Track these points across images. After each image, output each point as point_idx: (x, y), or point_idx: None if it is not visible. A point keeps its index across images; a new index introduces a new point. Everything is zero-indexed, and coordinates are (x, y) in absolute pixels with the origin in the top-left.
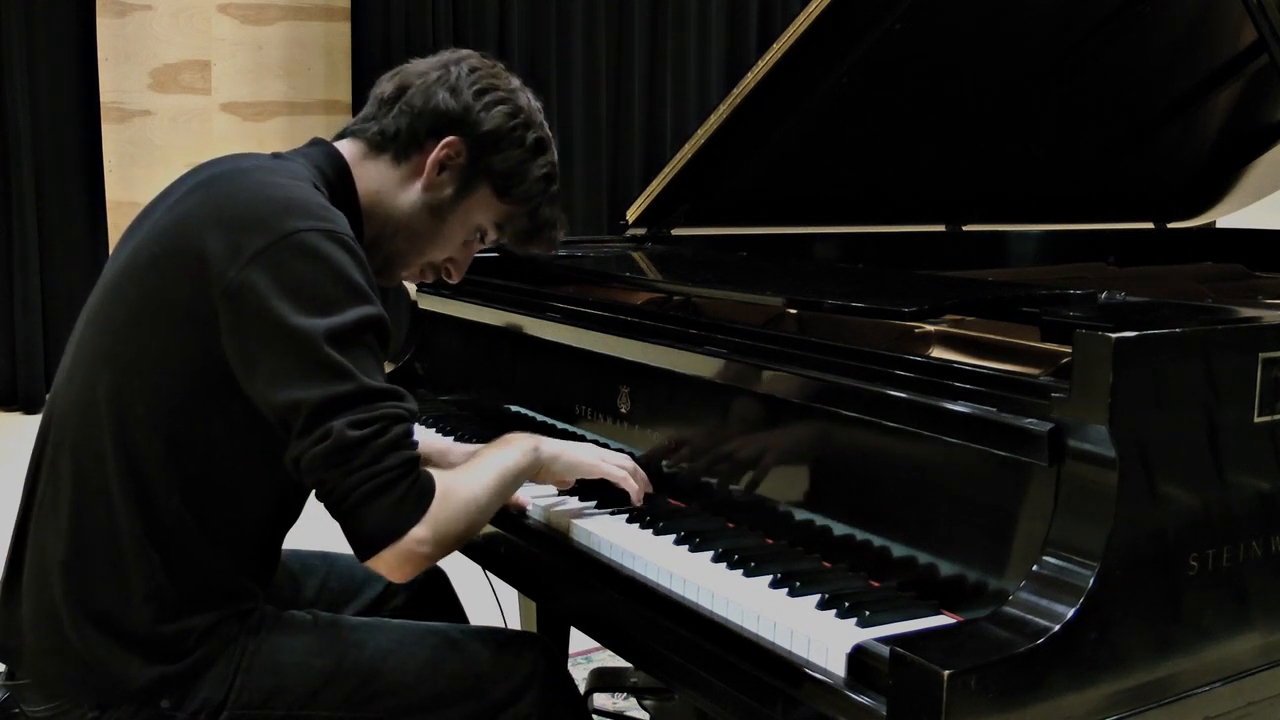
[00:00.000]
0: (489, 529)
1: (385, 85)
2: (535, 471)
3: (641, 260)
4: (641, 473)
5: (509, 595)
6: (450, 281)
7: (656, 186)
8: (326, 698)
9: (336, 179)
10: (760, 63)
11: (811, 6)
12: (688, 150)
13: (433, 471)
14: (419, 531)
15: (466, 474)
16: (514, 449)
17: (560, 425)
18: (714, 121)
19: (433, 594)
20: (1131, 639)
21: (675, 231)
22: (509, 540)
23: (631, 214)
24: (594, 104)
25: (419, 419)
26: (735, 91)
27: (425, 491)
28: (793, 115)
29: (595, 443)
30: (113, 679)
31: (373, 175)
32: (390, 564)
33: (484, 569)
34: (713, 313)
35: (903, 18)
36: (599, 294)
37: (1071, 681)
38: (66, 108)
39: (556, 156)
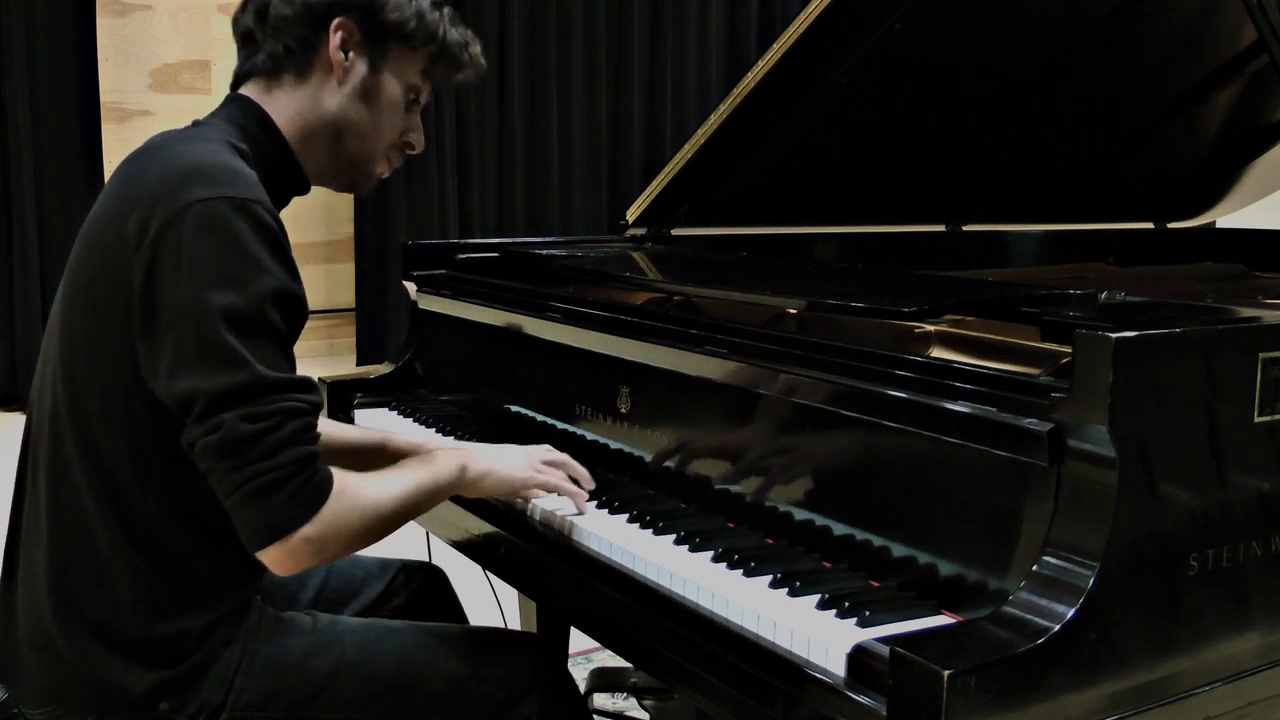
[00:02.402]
0: (488, 529)
1: (244, 18)
2: (462, 488)
3: (641, 260)
4: (578, 469)
5: (509, 595)
6: (415, 152)
7: (656, 186)
8: (326, 699)
9: (256, 127)
10: (760, 63)
11: (811, 6)
12: (688, 150)
13: (337, 472)
14: (307, 530)
15: (375, 480)
16: (437, 464)
17: (560, 425)
18: (714, 121)
19: (433, 594)
20: (1131, 639)
21: (675, 231)
22: (509, 540)
23: (631, 214)
24: (594, 104)
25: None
26: (735, 91)
27: (319, 490)
28: (793, 115)
29: (594, 444)
30: (112, 687)
31: (286, 103)
32: (275, 559)
33: (484, 569)
34: (713, 313)
35: (903, 17)
36: (599, 294)
37: (1071, 681)
38: (66, 108)
39: None
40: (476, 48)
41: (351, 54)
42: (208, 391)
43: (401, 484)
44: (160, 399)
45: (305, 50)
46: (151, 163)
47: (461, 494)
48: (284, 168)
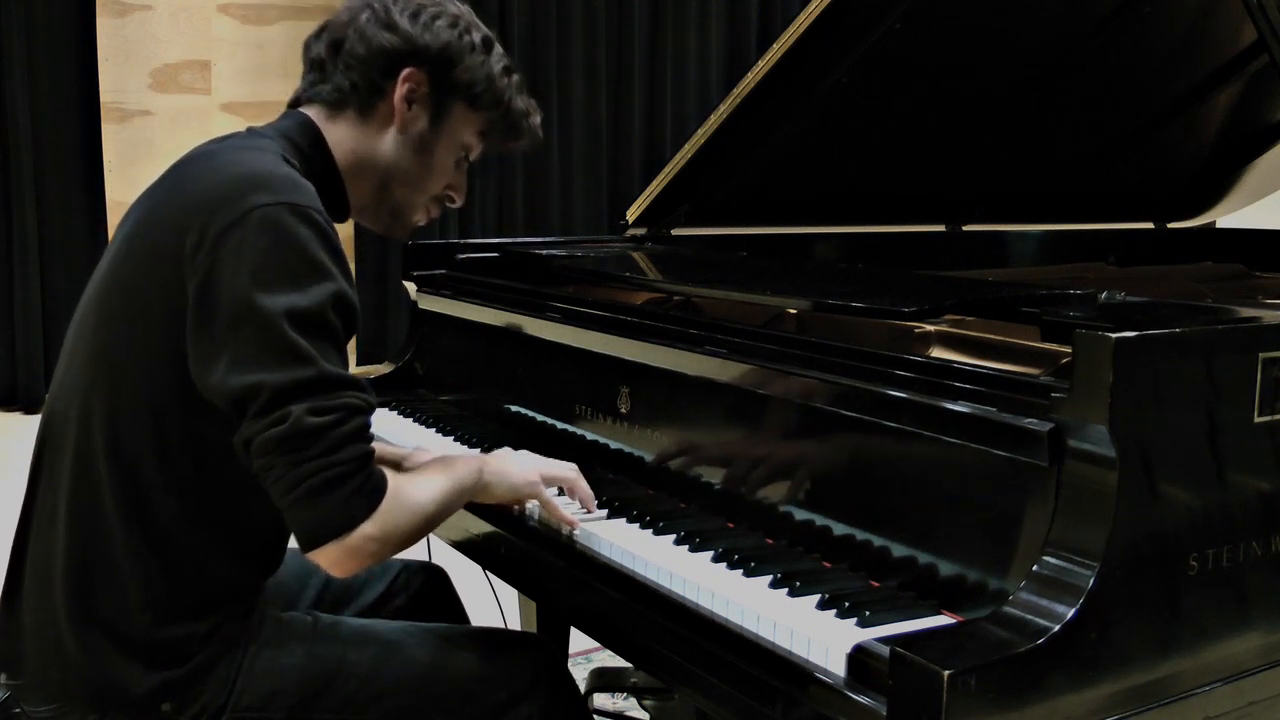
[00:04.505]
0: (488, 529)
1: (316, 47)
2: (479, 491)
3: (641, 260)
4: (583, 484)
5: (509, 595)
6: (454, 206)
7: (656, 186)
8: (327, 701)
9: (310, 147)
10: (760, 63)
11: (812, 6)
12: (688, 150)
13: (385, 471)
14: (368, 528)
15: (417, 481)
16: (461, 465)
17: (560, 425)
18: (714, 121)
19: (433, 594)
20: (1131, 639)
21: (675, 231)
22: (509, 540)
23: (631, 214)
24: (594, 104)
25: (377, 408)
26: (735, 91)
27: (377, 488)
28: (793, 115)
29: (594, 444)
30: (115, 687)
31: (344, 136)
32: (334, 558)
33: (484, 569)
34: (713, 313)
35: (903, 17)
36: (599, 294)
37: (1071, 681)
38: (66, 108)
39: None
40: (537, 119)
41: (415, 106)
42: (273, 385)
43: (440, 485)
44: (195, 403)
45: (371, 92)
46: (208, 169)
47: (478, 499)
48: (330, 192)
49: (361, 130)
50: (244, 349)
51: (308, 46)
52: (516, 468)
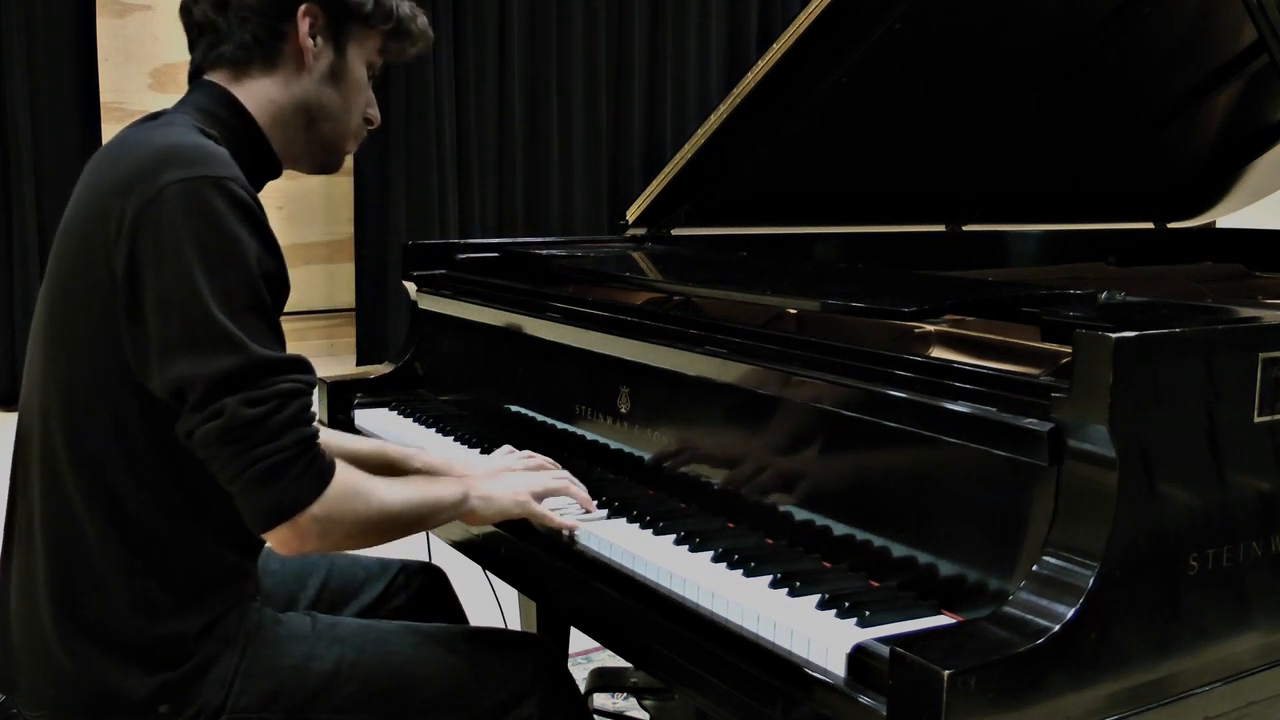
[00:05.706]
0: (488, 529)
1: (198, 9)
2: (463, 514)
3: (641, 260)
4: (576, 488)
5: (509, 595)
6: (374, 126)
7: (656, 187)
8: (325, 701)
9: (225, 111)
10: (760, 63)
11: (812, 6)
12: (688, 150)
13: (340, 463)
14: (314, 510)
15: (382, 480)
16: (442, 485)
17: (560, 425)
18: (714, 121)
19: (433, 594)
20: (1131, 639)
21: (675, 231)
22: (509, 540)
23: (631, 214)
24: (594, 104)
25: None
26: (735, 91)
27: (323, 471)
28: (793, 115)
29: (594, 444)
30: (112, 693)
31: (256, 91)
32: (282, 539)
33: (484, 569)
34: (713, 313)
35: (903, 18)
36: (599, 294)
37: (1071, 681)
38: (66, 108)
39: None
40: (424, 19)
41: (319, 39)
42: (204, 377)
43: (407, 491)
44: (149, 391)
45: (272, 40)
46: (122, 153)
47: (463, 520)
48: (255, 151)
49: (272, 80)
50: (172, 337)
51: (187, 10)
52: (503, 490)
